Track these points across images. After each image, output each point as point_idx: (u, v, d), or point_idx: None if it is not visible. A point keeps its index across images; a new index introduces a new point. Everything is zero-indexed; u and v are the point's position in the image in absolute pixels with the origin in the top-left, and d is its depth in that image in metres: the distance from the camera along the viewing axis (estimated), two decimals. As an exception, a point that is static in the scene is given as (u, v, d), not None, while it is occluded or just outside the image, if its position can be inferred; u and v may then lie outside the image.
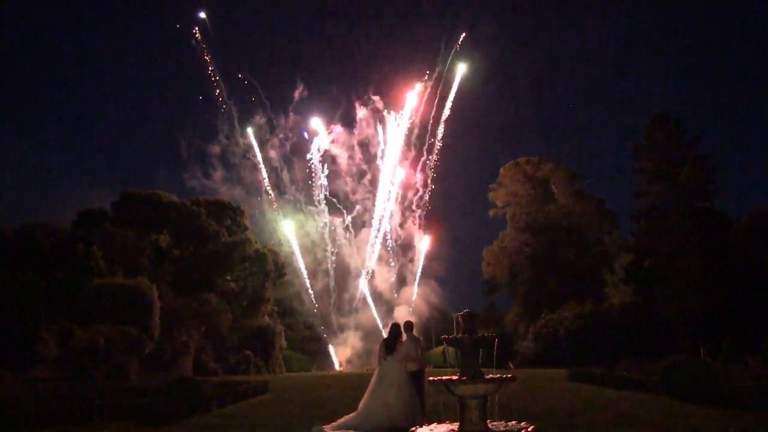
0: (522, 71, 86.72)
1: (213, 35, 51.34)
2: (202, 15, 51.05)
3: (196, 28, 50.63)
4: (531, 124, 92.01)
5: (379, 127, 53.94)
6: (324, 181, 53.16)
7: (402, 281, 53.75)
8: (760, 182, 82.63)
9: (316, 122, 54.45)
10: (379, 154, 53.96)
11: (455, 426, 9.33)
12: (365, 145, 54.65)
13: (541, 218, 45.50)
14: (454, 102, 52.60)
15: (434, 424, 9.88)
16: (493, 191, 48.14)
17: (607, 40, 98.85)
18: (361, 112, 54.61)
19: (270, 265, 45.16)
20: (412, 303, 51.85)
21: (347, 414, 10.57)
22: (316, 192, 52.88)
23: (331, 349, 51.38)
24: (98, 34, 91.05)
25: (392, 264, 53.86)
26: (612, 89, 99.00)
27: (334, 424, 10.38)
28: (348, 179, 54.29)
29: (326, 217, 53.05)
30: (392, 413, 10.08)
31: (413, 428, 9.72)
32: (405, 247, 54.39)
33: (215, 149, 52.35)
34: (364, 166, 54.44)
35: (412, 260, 54.00)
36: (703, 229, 32.00)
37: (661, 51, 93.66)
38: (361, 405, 10.47)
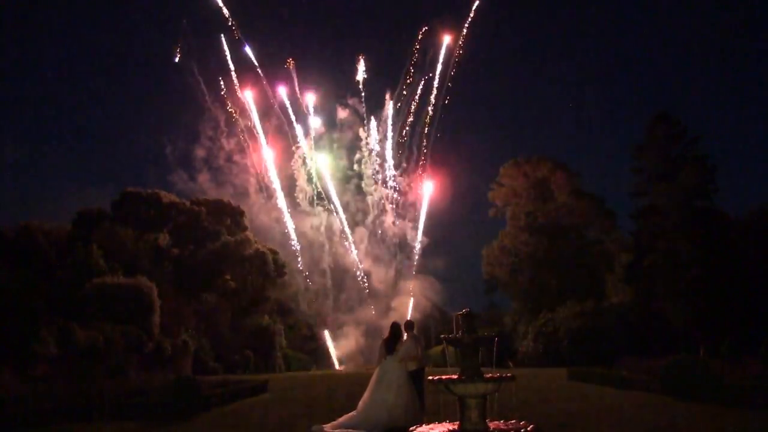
0: (521, 70, 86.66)
1: (194, 43, 51.37)
2: (178, 53, 51.18)
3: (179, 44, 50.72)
4: (531, 124, 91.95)
5: (370, 129, 54.11)
6: (317, 180, 53.23)
7: (400, 278, 53.77)
8: (760, 182, 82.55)
9: (314, 121, 54.44)
10: (367, 154, 54.13)
11: (455, 425, 9.34)
12: (356, 146, 54.76)
13: (540, 217, 45.49)
14: (451, 100, 52.75)
15: (434, 424, 9.89)
16: (493, 191, 48.11)
17: (608, 39, 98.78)
18: (350, 112, 54.66)
19: (270, 265, 45.17)
20: (411, 300, 51.90)
21: (347, 413, 10.57)
22: (304, 194, 52.98)
23: (330, 348, 51.40)
24: (96, 35, 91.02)
25: (390, 262, 53.94)
26: (612, 89, 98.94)
27: (333, 423, 10.38)
28: (341, 179, 54.35)
29: (322, 217, 53.11)
30: (392, 412, 10.08)
31: (413, 428, 9.72)
32: (402, 245, 54.43)
33: (202, 152, 52.36)
34: (352, 171, 54.53)
35: (409, 257, 54.07)
36: (702, 228, 31.97)
37: (662, 50, 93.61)
38: (360, 404, 10.48)
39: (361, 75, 53.43)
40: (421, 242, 53.44)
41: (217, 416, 13.92)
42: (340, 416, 10.57)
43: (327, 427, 10.28)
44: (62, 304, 27.53)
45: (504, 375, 9.47)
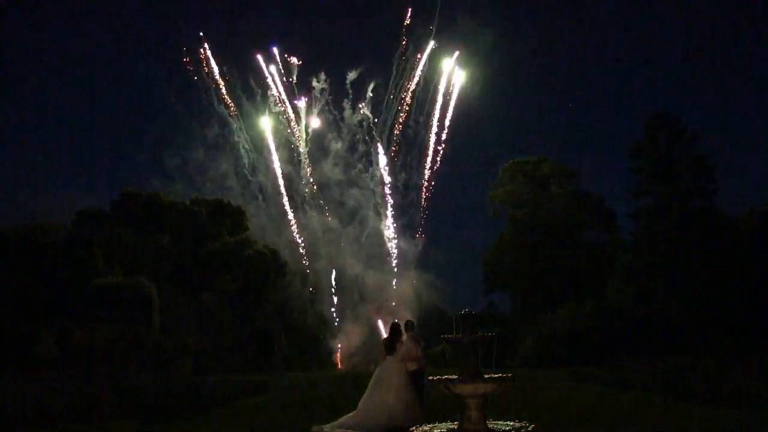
0: (521, 70, 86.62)
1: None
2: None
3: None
4: (531, 124, 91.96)
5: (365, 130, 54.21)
6: (313, 179, 53.36)
7: (399, 278, 53.73)
8: (760, 182, 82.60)
9: (314, 121, 54.50)
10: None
11: (455, 425, 9.35)
12: (351, 147, 54.85)
13: (540, 217, 45.49)
14: (449, 101, 52.80)
15: (434, 424, 9.90)
16: (493, 191, 48.16)
17: (607, 39, 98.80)
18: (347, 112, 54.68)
19: (270, 265, 45.15)
20: (411, 300, 51.87)
21: (347, 413, 10.57)
22: (298, 192, 53.15)
23: (330, 348, 51.41)
24: (95, 37, 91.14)
25: (388, 261, 53.95)
26: (612, 89, 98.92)
27: (333, 423, 10.39)
28: (336, 179, 54.45)
29: (323, 217, 53.18)
30: (392, 413, 10.09)
31: (413, 428, 9.73)
32: (400, 245, 54.45)
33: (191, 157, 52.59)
34: (349, 170, 54.63)
35: (402, 255, 54.13)
36: (702, 228, 32.00)
37: (661, 50, 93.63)
38: (360, 404, 10.48)
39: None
40: (419, 242, 53.56)
41: (217, 416, 13.92)
42: (340, 416, 10.57)
43: (327, 427, 10.28)
44: (62, 305, 27.55)
45: (504, 375, 9.48)
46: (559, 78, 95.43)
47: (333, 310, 52.26)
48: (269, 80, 51.51)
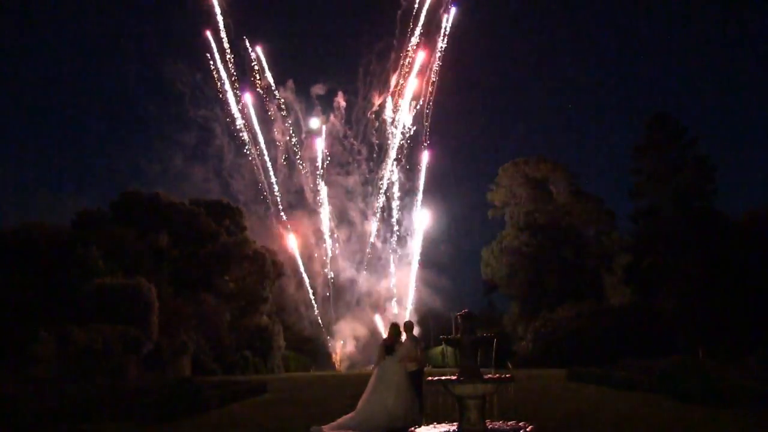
0: (521, 70, 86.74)
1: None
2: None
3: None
4: (531, 124, 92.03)
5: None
6: (315, 184, 53.46)
7: (398, 278, 53.78)
8: (760, 182, 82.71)
9: (314, 122, 54.57)
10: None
11: (454, 426, 9.34)
12: (346, 149, 55.06)
13: (539, 218, 45.49)
14: (449, 100, 52.84)
15: (433, 424, 9.89)
16: (492, 191, 48.16)
17: (607, 39, 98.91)
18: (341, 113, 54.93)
19: (269, 265, 45.15)
20: (410, 300, 51.94)
21: (346, 414, 10.57)
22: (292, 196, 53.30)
23: (330, 349, 51.45)
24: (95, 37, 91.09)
25: (387, 262, 54.01)
26: (611, 89, 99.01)
27: (332, 423, 10.38)
28: (331, 182, 54.56)
29: (324, 219, 53.26)
30: (391, 413, 10.08)
31: (412, 428, 9.73)
32: (399, 245, 54.54)
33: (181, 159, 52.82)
34: (342, 173, 54.84)
35: (400, 255, 54.23)
36: (701, 229, 31.99)
37: (661, 51, 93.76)
38: (359, 405, 10.48)
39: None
40: (418, 242, 53.58)
41: (216, 417, 13.91)
42: (339, 417, 10.57)
43: (326, 427, 10.28)
44: (61, 305, 27.52)
45: (503, 376, 9.48)
46: (559, 78, 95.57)
47: (331, 310, 52.33)
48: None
